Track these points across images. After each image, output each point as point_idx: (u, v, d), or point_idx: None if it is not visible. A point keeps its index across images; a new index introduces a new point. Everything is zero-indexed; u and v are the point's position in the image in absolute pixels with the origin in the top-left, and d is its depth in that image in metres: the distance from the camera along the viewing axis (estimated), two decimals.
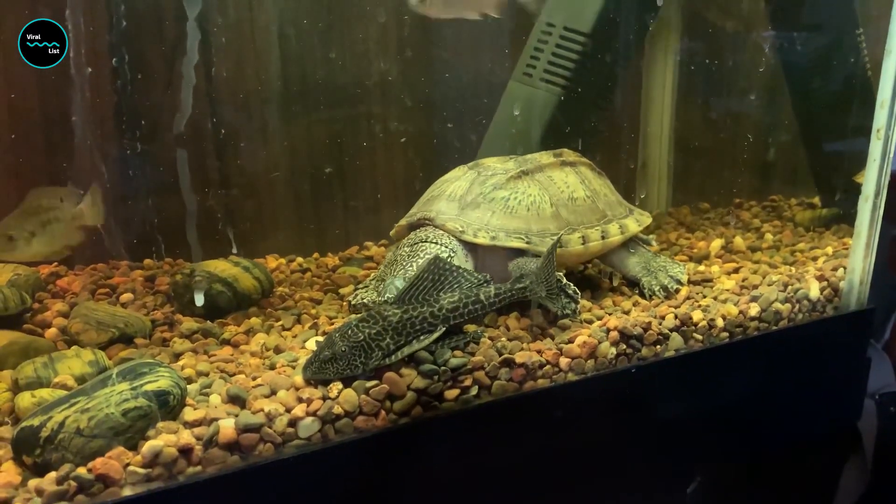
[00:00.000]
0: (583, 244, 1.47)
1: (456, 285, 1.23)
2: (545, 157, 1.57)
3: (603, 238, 1.50)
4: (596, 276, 1.70)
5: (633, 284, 1.61)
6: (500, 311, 1.41)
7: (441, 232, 1.42)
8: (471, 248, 1.43)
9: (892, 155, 1.54)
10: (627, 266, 1.60)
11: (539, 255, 1.37)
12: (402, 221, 1.51)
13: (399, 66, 1.87)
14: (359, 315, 1.22)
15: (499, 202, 1.43)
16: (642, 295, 1.56)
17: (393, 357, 1.16)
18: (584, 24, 1.68)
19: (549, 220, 1.45)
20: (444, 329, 1.20)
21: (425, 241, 1.40)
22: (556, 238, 1.32)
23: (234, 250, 1.52)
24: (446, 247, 1.39)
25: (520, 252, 1.41)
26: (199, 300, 1.38)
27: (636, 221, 1.60)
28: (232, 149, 1.74)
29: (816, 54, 2.05)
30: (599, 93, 1.77)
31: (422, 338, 1.18)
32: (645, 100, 2.08)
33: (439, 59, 1.91)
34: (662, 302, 1.52)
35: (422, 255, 1.37)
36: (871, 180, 1.56)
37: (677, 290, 1.55)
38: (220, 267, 1.52)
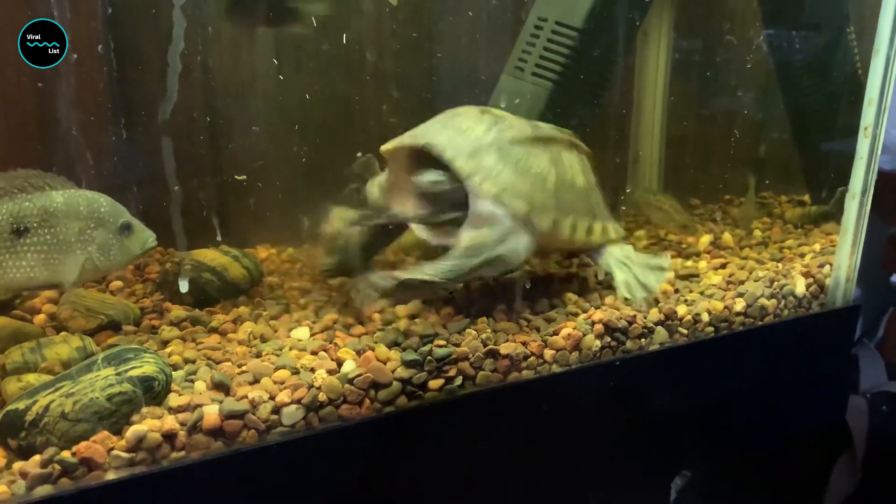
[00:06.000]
0: (571, 233, 1.40)
1: None
2: (553, 131, 1.49)
3: (588, 235, 1.44)
4: (583, 272, 1.71)
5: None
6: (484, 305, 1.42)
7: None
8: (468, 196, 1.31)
9: (879, 153, 1.56)
10: (601, 260, 1.51)
11: (533, 231, 1.31)
12: (405, 141, 1.36)
13: (392, 57, 1.87)
14: None
15: (513, 157, 1.33)
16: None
17: None
18: (575, 19, 1.68)
19: (549, 196, 1.36)
20: None
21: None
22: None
23: (219, 237, 1.52)
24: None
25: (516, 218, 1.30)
26: (184, 287, 1.39)
27: (615, 231, 1.53)
28: (224, 138, 1.74)
29: (807, 52, 2.05)
30: (590, 88, 1.77)
31: None
32: (637, 95, 2.08)
33: (433, 52, 1.91)
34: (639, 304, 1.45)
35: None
36: (857, 178, 1.57)
37: (645, 301, 1.45)
38: (210, 256, 1.53)
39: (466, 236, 1.30)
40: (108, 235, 1.22)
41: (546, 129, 1.48)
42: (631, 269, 1.50)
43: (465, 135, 1.33)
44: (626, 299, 1.44)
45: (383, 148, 1.40)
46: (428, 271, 1.23)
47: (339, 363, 1.19)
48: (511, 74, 1.79)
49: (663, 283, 1.50)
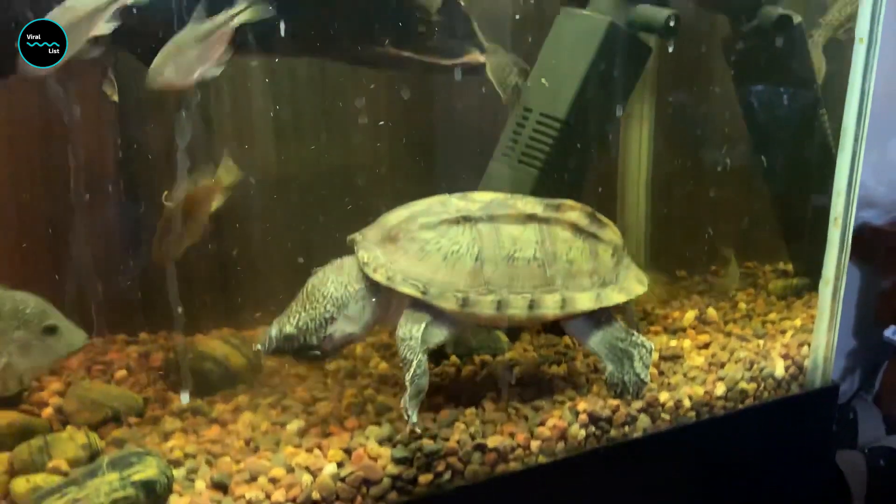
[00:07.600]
0: (497, 310, 1.35)
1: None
2: (530, 205, 1.46)
3: (531, 308, 1.37)
4: (572, 352, 1.76)
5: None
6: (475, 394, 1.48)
7: (349, 268, 1.35)
8: (383, 289, 1.33)
9: (850, 242, 1.62)
10: (588, 341, 1.49)
11: (440, 311, 1.33)
12: (349, 237, 1.42)
13: (402, 134, 1.94)
14: None
15: (417, 242, 1.33)
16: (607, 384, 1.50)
17: None
18: (559, 110, 1.77)
19: (463, 276, 1.33)
20: None
21: (323, 285, 1.34)
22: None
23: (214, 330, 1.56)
24: (340, 289, 1.32)
25: (416, 302, 1.32)
26: (185, 399, 1.45)
27: (595, 297, 1.43)
28: (227, 220, 1.80)
29: (779, 121, 2.13)
30: (576, 173, 1.85)
31: None
32: (621, 176, 2.16)
33: (435, 120, 1.99)
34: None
35: (316, 302, 1.32)
36: (830, 265, 1.63)
37: (639, 393, 1.48)
38: (212, 346, 1.59)
39: (398, 329, 1.33)
40: (30, 336, 1.24)
41: (512, 203, 1.45)
42: (619, 353, 1.48)
43: (381, 224, 1.38)
44: (619, 393, 1.48)
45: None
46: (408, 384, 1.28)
47: (332, 461, 1.25)
48: (499, 161, 1.87)
49: (648, 376, 1.49)
